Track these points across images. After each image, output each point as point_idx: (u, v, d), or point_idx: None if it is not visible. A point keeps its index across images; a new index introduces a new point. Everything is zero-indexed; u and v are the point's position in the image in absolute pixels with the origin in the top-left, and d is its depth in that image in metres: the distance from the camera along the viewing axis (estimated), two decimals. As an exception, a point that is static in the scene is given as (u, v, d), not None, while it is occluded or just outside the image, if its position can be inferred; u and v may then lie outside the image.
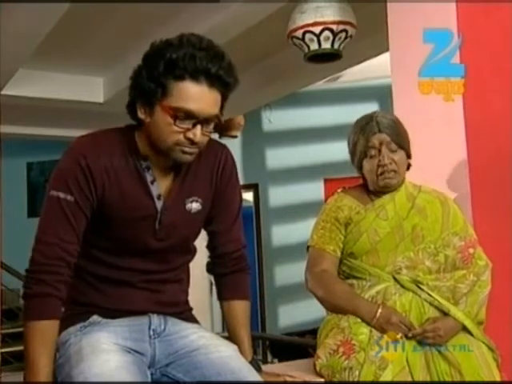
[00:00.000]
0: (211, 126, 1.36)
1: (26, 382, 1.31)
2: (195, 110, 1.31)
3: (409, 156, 1.82)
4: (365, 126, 1.78)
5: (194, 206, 1.46)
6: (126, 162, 1.40)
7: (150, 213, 1.42)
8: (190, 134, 1.32)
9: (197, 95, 1.30)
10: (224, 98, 1.37)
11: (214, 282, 1.64)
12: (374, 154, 1.77)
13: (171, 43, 1.31)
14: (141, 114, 1.36)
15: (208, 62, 1.29)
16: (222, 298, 1.60)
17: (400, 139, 1.78)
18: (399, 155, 1.78)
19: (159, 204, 1.42)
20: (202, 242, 1.58)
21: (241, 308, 1.57)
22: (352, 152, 1.83)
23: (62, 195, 1.35)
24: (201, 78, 1.29)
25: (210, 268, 1.61)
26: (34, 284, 1.33)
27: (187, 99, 1.30)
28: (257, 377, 1.40)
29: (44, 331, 1.31)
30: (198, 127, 1.32)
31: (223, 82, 1.32)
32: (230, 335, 1.57)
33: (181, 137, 1.33)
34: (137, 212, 1.41)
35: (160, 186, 1.43)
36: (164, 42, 1.33)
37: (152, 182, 1.42)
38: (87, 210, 1.38)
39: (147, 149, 1.41)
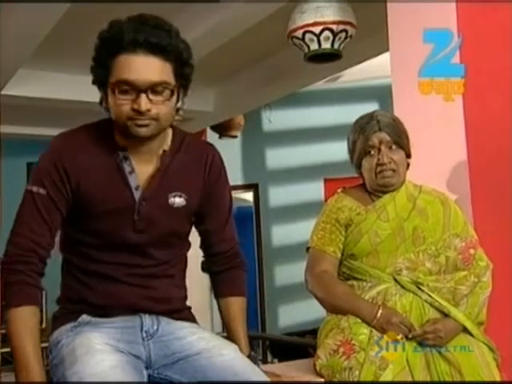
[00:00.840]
0: (164, 95, 1.35)
1: (18, 372, 1.29)
2: (133, 79, 1.32)
3: (408, 156, 1.82)
4: (365, 124, 1.78)
5: (177, 200, 1.45)
6: (104, 154, 1.42)
7: (128, 203, 1.42)
8: (134, 105, 1.33)
9: (133, 65, 1.32)
10: (175, 66, 1.37)
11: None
12: (374, 152, 1.77)
13: (104, 29, 1.36)
14: (104, 104, 1.39)
15: (135, 32, 1.31)
16: (218, 295, 1.59)
17: (400, 139, 1.78)
18: (398, 155, 1.78)
19: (137, 194, 1.42)
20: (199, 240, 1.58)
21: (237, 304, 1.57)
22: (351, 150, 1.83)
23: (34, 189, 1.38)
24: (134, 48, 1.32)
25: (205, 267, 1.61)
26: (9, 274, 1.35)
27: (125, 71, 1.32)
28: (261, 377, 1.39)
29: (25, 317, 1.32)
30: (142, 96, 1.32)
31: (159, 48, 1.33)
32: (227, 332, 1.57)
33: (128, 109, 1.33)
34: (115, 203, 1.41)
35: (139, 177, 1.43)
36: (101, 31, 1.37)
37: (130, 173, 1.42)
38: (61, 204, 1.40)
39: (123, 139, 1.42)
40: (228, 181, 1.58)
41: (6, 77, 3.83)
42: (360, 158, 1.80)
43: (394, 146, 1.77)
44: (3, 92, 4.03)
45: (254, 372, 1.38)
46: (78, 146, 1.41)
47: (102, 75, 1.35)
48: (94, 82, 1.41)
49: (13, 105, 4.20)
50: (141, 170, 1.43)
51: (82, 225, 1.43)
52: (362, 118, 1.82)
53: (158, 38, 1.32)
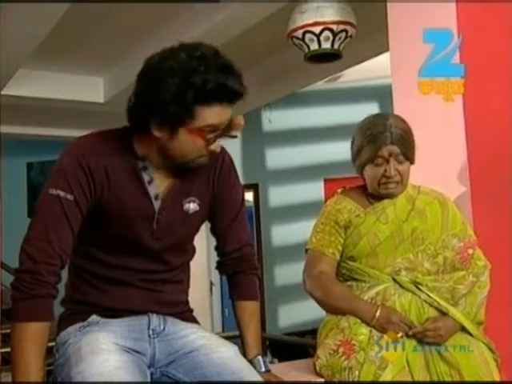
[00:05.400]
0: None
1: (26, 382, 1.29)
2: (218, 123, 1.34)
3: (412, 163, 1.79)
4: (377, 134, 1.73)
5: (192, 206, 1.47)
6: (124, 163, 1.41)
7: (148, 213, 1.42)
8: (212, 147, 1.37)
9: (221, 113, 1.33)
10: None
11: (213, 283, 1.65)
12: (381, 162, 1.74)
13: (194, 69, 1.28)
14: (156, 132, 1.34)
15: (234, 85, 1.31)
16: (231, 298, 1.62)
17: (409, 152, 1.75)
18: (404, 165, 1.75)
19: (157, 204, 1.43)
20: (202, 242, 1.58)
21: (241, 308, 1.58)
22: (356, 153, 1.80)
23: (62, 194, 1.34)
24: (223, 101, 1.32)
25: (218, 268, 1.64)
26: (38, 285, 1.30)
27: (212, 117, 1.33)
28: (257, 378, 1.39)
29: (45, 333, 1.31)
30: (218, 140, 1.37)
31: (240, 98, 1.35)
32: (239, 334, 1.59)
33: (204, 150, 1.37)
34: (134, 212, 1.41)
35: (158, 186, 1.43)
36: (184, 65, 1.29)
37: (149, 183, 1.42)
38: (84, 209, 1.38)
39: (146, 150, 1.41)
40: (239, 182, 1.58)
41: (6, 77, 3.83)
42: (364, 164, 1.78)
43: (401, 159, 1.74)
44: (3, 92, 4.04)
45: (250, 372, 1.39)
46: (102, 150, 1.39)
47: (183, 118, 1.30)
48: (149, 110, 1.31)
49: (13, 105, 4.20)
50: (159, 179, 1.44)
51: (97, 228, 1.42)
52: (374, 124, 1.76)
53: (244, 90, 1.34)
